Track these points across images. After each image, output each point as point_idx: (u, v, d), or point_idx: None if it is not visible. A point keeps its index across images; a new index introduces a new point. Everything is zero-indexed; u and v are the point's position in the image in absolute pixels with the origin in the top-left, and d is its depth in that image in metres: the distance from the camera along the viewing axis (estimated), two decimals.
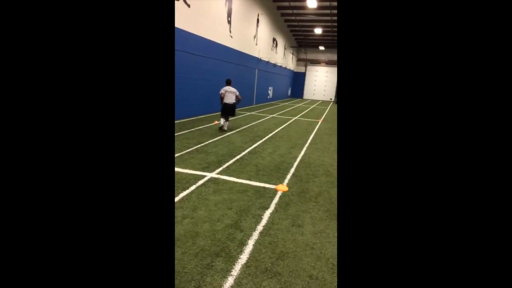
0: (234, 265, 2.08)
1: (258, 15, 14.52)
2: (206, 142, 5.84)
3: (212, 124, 8.22)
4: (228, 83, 7.22)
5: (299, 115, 12.27)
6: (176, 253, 2.15)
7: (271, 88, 19.11)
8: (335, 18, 17.60)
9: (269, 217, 2.84)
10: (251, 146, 5.85)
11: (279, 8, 17.41)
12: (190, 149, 5.22)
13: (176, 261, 2.06)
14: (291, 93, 27.28)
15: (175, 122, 8.07)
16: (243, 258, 2.17)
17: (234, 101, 7.03)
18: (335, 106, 19.55)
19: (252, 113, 11.88)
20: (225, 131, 7.13)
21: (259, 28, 15.03)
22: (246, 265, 2.08)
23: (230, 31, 11.30)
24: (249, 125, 8.63)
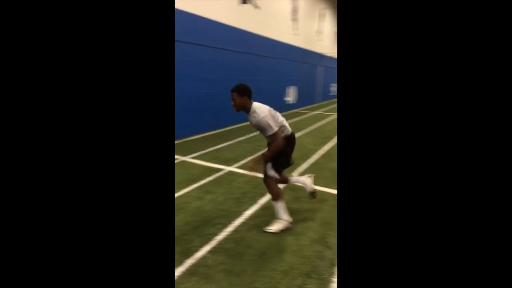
0: None
1: (323, 10, 13.98)
2: None
3: None
4: None
5: None
6: (266, 269, 2.07)
7: (334, 84, 18.32)
8: None
9: None
10: (321, 147, 5.59)
11: None
12: (262, 151, 5.18)
13: (266, 279, 1.98)
14: None
15: (243, 125, 8.18)
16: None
17: None
18: None
19: (317, 112, 11.49)
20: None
21: (323, 23, 14.47)
22: None
23: (295, 29, 11.07)
24: (316, 125, 8.32)
